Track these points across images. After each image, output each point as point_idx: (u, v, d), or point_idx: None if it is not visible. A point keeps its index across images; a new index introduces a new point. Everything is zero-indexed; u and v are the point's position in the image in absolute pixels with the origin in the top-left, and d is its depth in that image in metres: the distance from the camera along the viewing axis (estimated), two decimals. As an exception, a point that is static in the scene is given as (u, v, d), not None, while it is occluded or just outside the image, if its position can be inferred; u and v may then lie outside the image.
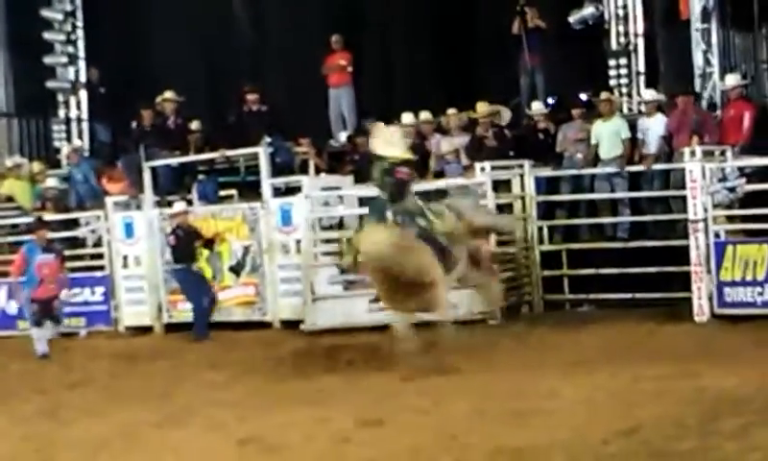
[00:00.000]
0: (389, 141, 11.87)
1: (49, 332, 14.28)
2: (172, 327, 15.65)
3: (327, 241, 15.32)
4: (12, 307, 16.57)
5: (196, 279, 15.29)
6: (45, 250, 14.45)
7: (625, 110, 16.54)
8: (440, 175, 15.67)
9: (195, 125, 17.45)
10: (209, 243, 15.30)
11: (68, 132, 21.26)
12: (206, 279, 15.40)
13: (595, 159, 15.17)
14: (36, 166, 18.57)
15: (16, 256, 14.74)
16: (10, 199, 17.94)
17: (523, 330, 13.11)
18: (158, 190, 16.41)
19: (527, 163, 15.03)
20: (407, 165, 11.68)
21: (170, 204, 16.25)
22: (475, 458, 7.71)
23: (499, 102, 16.49)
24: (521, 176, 15.01)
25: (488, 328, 13.41)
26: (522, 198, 15.03)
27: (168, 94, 17.13)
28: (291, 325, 14.76)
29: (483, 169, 14.61)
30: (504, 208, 14.85)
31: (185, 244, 15.18)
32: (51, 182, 17.72)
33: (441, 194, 15.00)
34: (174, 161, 16.79)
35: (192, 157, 16.96)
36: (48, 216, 16.65)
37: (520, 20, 17.28)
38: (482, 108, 15.94)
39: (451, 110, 16.21)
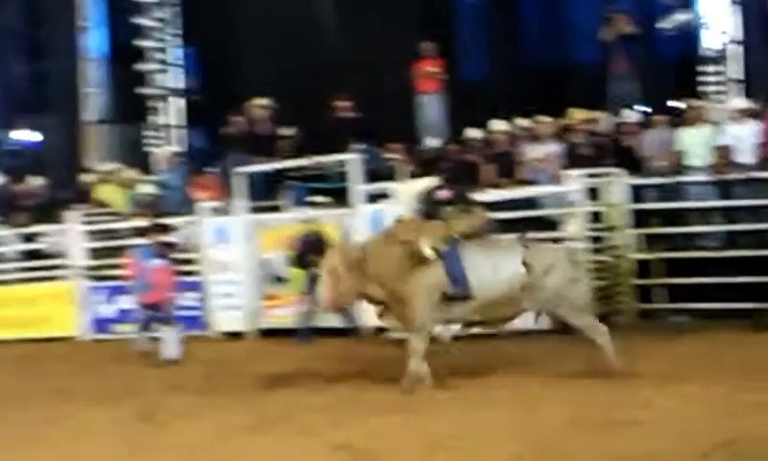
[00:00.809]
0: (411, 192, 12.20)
1: (170, 337, 14.12)
2: (266, 333, 15.81)
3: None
4: (110, 311, 16.87)
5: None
6: (159, 255, 14.36)
7: (716, 117, 16.34)
8: (530, 183, 15.61)
9: (286, 131, 17.57)
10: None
11: (162, 138, 21.58)
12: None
13: (682, 167, 15.02)
14: (132, 172, 18.86)
15: (129, 260, 14.81)
16: (105, 204, 18.20)
17: (616, 340, 12.99)
18: (250, 196, 16.58)
19: (618, 171, 14.93)
20: (442, 187, 11.74)
21: (261, 210, 16.46)
22: (571, 467, 7.71)
23: (590, 109, 16.40)
24: (612, 184, 14.92)
25: (581, 338, 13.37)
26: (613, 206, 14.93)
27: (260, 101, 17.32)
28: (383, 332, 14.83)
29: (574, 177, 14.58)
30: (596, 217, 14.79)
31: (304, 250, 15.22)
32: (145, 188, 17.98)
33: (529, 203, 15.01)
34: (265, 168, 16.95)
35: (283, 164, 17.10)
36: (142, 222, 16.91)
37: (609, 26, 17.15)
38: (577, 114, 15.86)
39: (543, 118, 16.11)
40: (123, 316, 16.05)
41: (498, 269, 11.26)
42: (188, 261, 16.73)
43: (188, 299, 16.35)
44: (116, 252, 16.38)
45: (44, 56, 24.55)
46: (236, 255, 16.13)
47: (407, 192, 12.45)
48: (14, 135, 25.02)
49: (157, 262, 14.28)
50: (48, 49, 24.44)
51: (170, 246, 14.94)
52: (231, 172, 16.71)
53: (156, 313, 14.19)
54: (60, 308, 17.48)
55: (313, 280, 14.92)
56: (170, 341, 14.08)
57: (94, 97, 21.84)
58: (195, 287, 16.46)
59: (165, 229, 14.85)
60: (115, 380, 12.99)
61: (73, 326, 17.25)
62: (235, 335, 16.01)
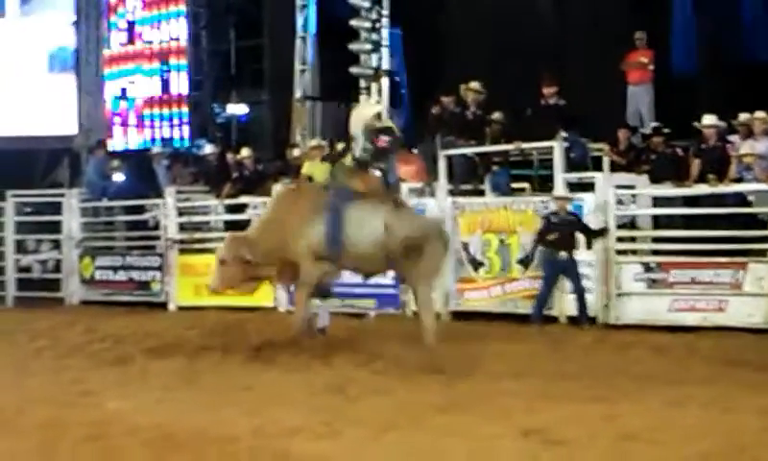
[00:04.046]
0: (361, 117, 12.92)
1: (322, 310, 14.37)
2: (459, 315, 15.83)
3: (620, 239, 15.14)
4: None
5: (556, 267, 14.93)
6: None
7: None
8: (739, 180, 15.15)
9: (495, 116, 17.50)
10: (597, 233, 14.89)
11: (367, 117, 21.79)
12: (576, 268, 14.87)
13: None
14: (339, 147, 19.05)
15: None
16: (310, 179, 18.43)
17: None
18: (452, 179, 16.61)
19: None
20: (387, 133, 12.47)
21: (463, 193, 16.47)
22: (765, 472, 7.46)
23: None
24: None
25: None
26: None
27: (473, 84, 17.31)
28: (576, 320, 14.73)
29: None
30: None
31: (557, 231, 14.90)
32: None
33: (738, 200, 14.61)
34: (469, 151, 16.95)
35: (487, 148, 17.07)
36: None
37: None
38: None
39: (760, 114, 15.55)
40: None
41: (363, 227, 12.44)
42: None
43: (385, 278, 16.48)
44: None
45: (260, 32, 25.10)
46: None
47: (359, 116, 12.82)
48: (227, 109, 25.66)
49: None
50: (264, 26, 24.97)
51: None
52: (436, 153, 16.77)
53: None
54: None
55: (554, 265, 14.84)
56: (322, 312, 14.19)
57: (305, 74, 22.19)
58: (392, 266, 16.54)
59: None
60: (307, 352, 13.14)
61: (272, 297, 17.58)
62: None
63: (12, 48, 25.89)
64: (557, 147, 15.68)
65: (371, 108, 13.21)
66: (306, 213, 12.75)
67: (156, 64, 25.18)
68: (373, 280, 16.04)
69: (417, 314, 14.96)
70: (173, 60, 24.96)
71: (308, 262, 12.68)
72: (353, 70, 21.57)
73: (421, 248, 12.50)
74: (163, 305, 18.75)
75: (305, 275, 12.76)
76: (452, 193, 16.47)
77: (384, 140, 12.55)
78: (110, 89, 25.90)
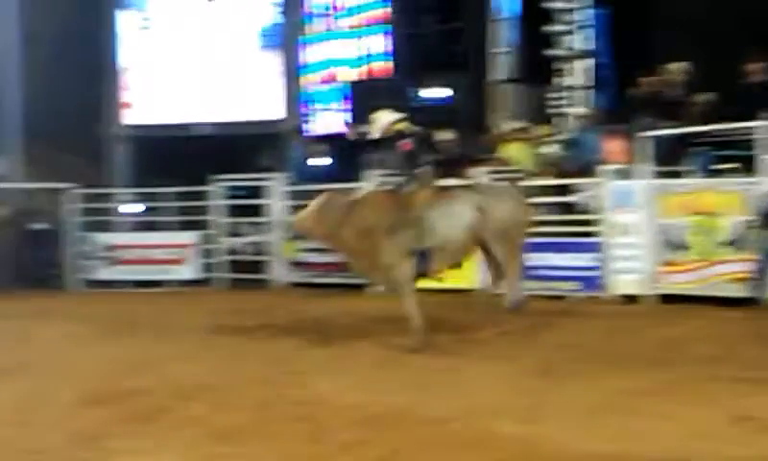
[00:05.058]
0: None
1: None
2: (663, 298, 15.64)
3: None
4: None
5: None
6: None
7: None
8: None
9: (699, 97, 17.18)
10: None
11: (566, 99, 21.67)
12: None
13: None
14: (544, 130, 19.06)
15: None
16: (510, 162, 18.48)
17: None
18: (655, 160, 16.40)
19: None
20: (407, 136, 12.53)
21: (665, 175, 16.26)
22: None
23: None
24: None
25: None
26: None
27: (677, 65, 17.06)
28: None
29: None
30: None
31: None
32: (550, 148, 18.15)
33: None
34: (672, 133, 16.70)
35: (690, 129, 16.78)
36: (546, 181, 17.16)
37: None
38: None
39: None
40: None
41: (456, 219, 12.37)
42: (587, 222, 16.81)
43: (586, 260, 16.43)
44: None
45: (457, 15, 25.21)
46: (637, 219, 16.01)
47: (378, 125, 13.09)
48: (424, 92, 25.83)
49: None
50: (461, 9, 25.07)
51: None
52: (637, 135, 16.59)
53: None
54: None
55: None
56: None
57: (503, 57, 22.21)
58: (593, 249, 16.49)
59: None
60: (511, 333, 13.16)
61: (474, 279, 17.64)
62: (631, 298, 15.93)
63: (225, 28, 26.58)
64: (761, 127, 15.30)
65: (387, 116, 13.17)
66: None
67: (355, 46, 25.50)
68: (576, 262, 16.13)
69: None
70: (373, 42, 25.24)
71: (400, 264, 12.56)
72: (548, 52, 21.52)
73: None
74: (364, 287, 19.02)
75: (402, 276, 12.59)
76: (654, 175, 16.25)
77: (408, 143, 12.63)
78: (310, 71, 26.35)
